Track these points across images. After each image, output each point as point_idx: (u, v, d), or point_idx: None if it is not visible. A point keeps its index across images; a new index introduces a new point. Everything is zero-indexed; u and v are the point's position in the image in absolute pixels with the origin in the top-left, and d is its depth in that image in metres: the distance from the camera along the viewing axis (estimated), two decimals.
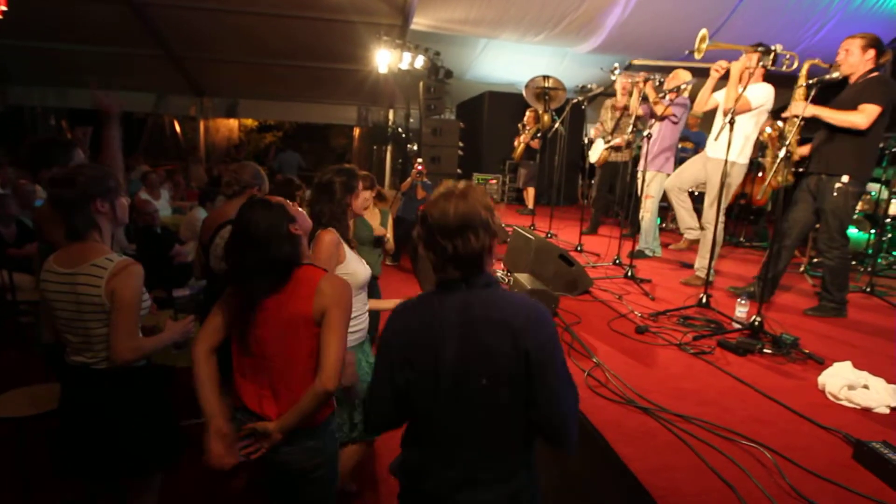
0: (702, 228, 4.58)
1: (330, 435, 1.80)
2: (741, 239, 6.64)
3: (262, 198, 1.78)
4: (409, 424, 1.49)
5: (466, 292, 1.36)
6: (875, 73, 3.62)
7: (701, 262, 4.44)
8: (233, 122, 13.99)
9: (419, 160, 6.17)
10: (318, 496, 1.82)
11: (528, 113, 7.97)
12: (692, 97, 4.97)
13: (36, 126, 11.57)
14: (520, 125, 8.14)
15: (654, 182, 5.23)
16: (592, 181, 8.24)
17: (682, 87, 5.02)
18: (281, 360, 1.69)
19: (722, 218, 4.28)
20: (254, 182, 2.72)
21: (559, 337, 1.38)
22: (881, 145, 7.03)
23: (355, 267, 2.29)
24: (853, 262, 5.45)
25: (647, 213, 5.31)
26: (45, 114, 11.81)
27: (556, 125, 6.09)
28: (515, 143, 8.17)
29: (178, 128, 13.95)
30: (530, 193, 7.95)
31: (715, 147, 4.28)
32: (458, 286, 1.37)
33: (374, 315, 2.90)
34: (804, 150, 3.82)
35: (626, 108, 5.42)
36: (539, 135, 7.52)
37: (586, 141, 6.53)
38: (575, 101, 6.04)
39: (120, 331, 1.81)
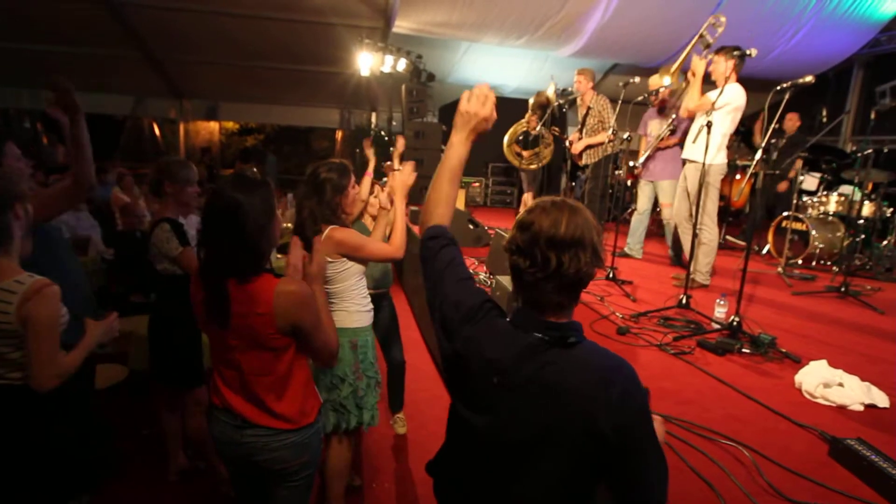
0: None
1: (316, 434, 1.78)
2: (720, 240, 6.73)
3: (251, 176, 1.70)
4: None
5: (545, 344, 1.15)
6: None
7: (696, 263, 4.42)
8: (213, 125, 13.86)
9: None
10: (295, 501, 1.80)
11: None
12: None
13: (10, 128, 11.33)
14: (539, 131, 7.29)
15: (670, 190, 5.31)
16: (574, 183, 8.27)
17: (661, 90, 5.10)
18: (253, 373, 1.63)
19: (711, 221, 4.38)
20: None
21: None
22: (853, 148, 7.22)
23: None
24: (828, 263, 5.58)
25: (671, 219, 5.21)
26: (20, 116, 11.58)
27: (538, 128, 6.12)
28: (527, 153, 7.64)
29: (157, 131, 13.76)
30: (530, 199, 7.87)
31: (692, 150, 4.35)
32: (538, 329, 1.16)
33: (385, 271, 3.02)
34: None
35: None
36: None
37: (567, 143, 6.53)
38: (557, 104, 6.08)
39: (39, 359, 1.63)
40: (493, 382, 1.17)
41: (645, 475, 1.11)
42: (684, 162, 4.60)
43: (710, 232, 4.42)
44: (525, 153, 7.40)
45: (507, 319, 1.25)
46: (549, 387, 1.11)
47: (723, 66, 4.15)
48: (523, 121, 7.33)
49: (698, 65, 4.23)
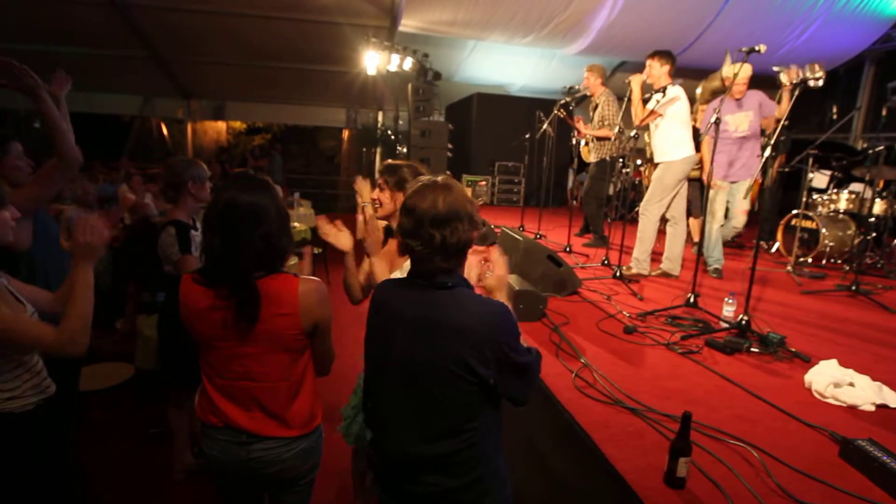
0: (665, 220, 4.71)
1: (320, 436, 1.78)
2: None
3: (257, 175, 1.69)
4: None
5: (428, 291, 1.43)
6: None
7: (668, 251, 4.71)
8: (221, 125, 13.93)
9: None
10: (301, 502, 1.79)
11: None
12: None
13: (20, 129, 11.43)
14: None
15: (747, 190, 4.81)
16: (578, 178, 8.22)
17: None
18: (269, 380, 1.61)
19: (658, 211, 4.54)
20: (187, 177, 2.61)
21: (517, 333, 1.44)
22: (864, 145, 7.13)
23: None
24: (838, 261, 5.52)
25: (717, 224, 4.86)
26: (30, 117, 11.68)
27: (545, 126, 6.08)
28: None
29: (165, 130, 13.84)
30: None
31: (661, 152, 4.56)
32: (427, 281, 1.43)
33: None
34: None
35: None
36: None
37: (574, 142, 6.50)
38: (563, 101, 6.05)
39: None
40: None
41: (521, 386, 1.47)
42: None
43: (650, 219, 4.58)
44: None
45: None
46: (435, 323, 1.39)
47: (658, 69, 4.41)
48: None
49: (635, 79, 4.48)
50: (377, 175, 2.36)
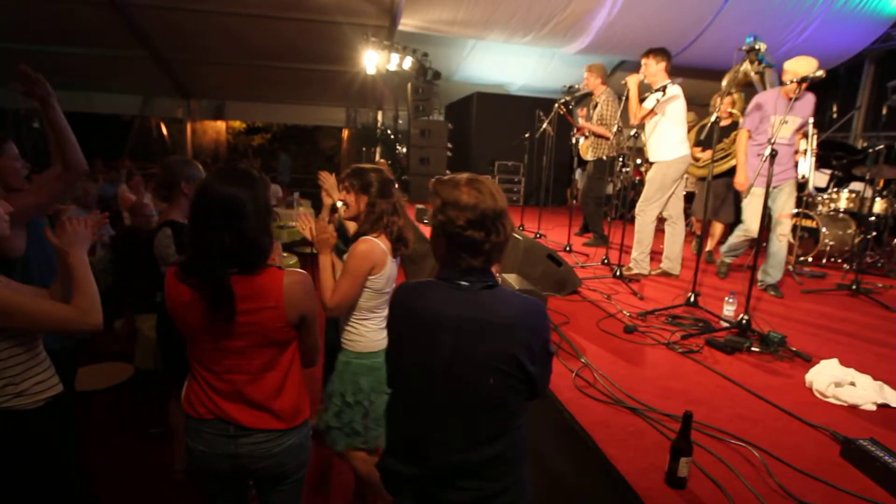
0: (663, 219, 4.72)
1: (308, 434, 1.77)
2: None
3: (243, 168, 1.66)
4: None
5: (469, 291, 1.39)
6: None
7: (668, 251, 4.71)
8: (220, 125, 13.91)
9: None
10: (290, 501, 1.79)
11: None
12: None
13: (19, 129, 11.43)
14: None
15: (793, 193, 4.30)
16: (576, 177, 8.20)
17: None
18: (256, 372, 1.61)
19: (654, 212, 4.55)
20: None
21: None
22: (864, 144, 7.11)
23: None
24: (838, 260, 5.51)
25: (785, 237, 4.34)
26: (29, 116, 11.67)
27: (544, 125, 6.07)
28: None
29: (164, 130, 13.84)
30: None
31: (656, 152, 4.55)
32: (468, 281, 1.39)
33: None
34: None
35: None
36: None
37: (574, 140, 6.48)
38: (563, 100, 6.04)
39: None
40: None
41: (545, 377, 1.49)
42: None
43: (646, 220, 4.58)
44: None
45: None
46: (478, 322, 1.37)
47: (654, 67, 4.40)
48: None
49: (632, 79, 4.47)
50: (342, 178, 2.38)
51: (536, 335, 1.39)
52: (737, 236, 4.59)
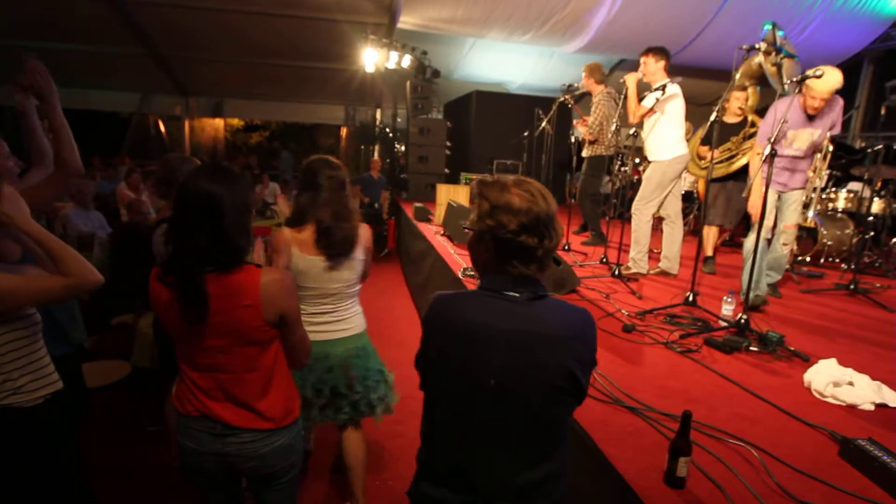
0: (661, 218, 4.74)
1: (299, 434, 1.76)
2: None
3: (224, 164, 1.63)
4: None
5: (518, 303, 1.31)
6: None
7: (666, 250, 4.72)
8: (218, 122, 13.89)
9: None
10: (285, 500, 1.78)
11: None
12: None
13: (16, 125, 11.38)
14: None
15: (801, 201, 4.06)
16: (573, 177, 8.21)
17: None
18: (237, 371, 1.60)
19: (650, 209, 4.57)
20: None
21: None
22: (862, 144, 7.12)
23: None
24: (836, 260, 5.52)
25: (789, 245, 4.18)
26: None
27: (543, 124, 6.07)
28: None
29: (162, 127, 13.80)
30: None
31: (654, 151, 4.56)
32: (518, 292, 1.31)
33: None
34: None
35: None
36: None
37: (573, 139, 6.48)
38: (562, 99, 6.04)
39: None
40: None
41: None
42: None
43: (642, 219, 4.58)
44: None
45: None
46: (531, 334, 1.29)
47: (653, 66, 4.40)
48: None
49: (630, 78, 4.48)
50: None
51: (588, 346, 1.34)
52: (775, 250, 4.13)
